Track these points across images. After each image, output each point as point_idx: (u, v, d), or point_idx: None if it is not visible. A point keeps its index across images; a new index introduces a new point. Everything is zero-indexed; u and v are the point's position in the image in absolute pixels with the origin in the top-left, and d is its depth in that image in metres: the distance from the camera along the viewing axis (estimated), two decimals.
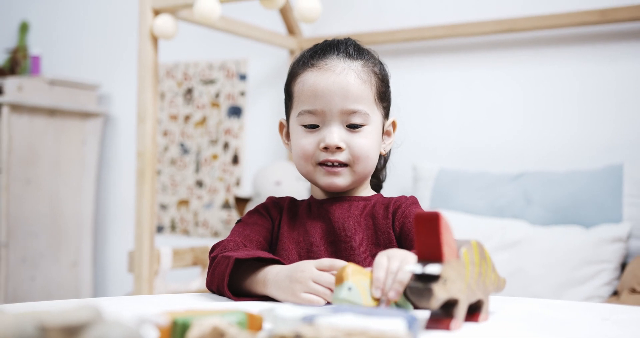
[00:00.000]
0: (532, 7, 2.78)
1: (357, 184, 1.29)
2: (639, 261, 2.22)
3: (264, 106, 3.49)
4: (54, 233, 3.73)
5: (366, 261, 1.20)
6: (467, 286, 0.85)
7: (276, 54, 3.44)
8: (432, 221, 0.80)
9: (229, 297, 1.11)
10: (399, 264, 0.95)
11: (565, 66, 2.77)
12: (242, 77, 3.53)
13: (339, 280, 0.91)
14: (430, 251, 0.80)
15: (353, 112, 1.23)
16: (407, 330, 0.71)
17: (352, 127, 1.24)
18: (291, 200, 1.35)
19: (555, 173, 2.58)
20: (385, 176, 1.44)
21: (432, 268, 0.79)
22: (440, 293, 0.79)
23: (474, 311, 0.90)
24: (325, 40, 1.32)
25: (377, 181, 1.41)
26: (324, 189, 1.29)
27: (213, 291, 1.17)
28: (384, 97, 1.31)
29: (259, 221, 1.30)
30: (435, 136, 2.97)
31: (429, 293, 0.78)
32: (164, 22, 2.57)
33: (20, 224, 3.59)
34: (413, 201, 1.29)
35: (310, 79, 1.25)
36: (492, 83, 2.91)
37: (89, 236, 3.86)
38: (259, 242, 1.26)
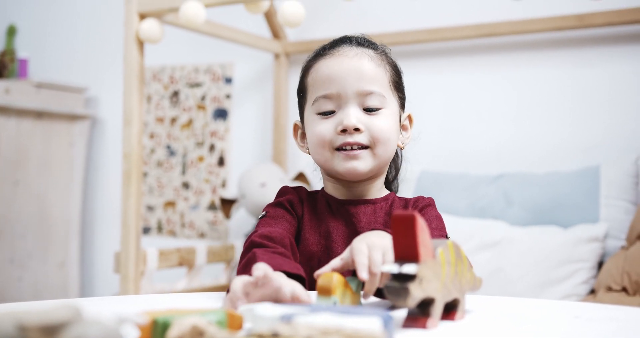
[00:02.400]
0: (511, 12, 2.83)
1: (376, 170, 1.23)
2: (615, 260, 2.26)
3: (250, 109, 3.52)
4: (41, 234, 3.75)
5: None
6: (443, 285, 0.86)
7: (261, 58, 3.47)
8: (409, 222, 0.80)
9: None
10: (381, 256, 0.94)
11: (544, 70, 2.82)
12: (228, 81, 3.56)
13: (326, 292, 0.89)
14: (407, 251, 0.81)
15: (369, 93, 1.19)
16: (382, 329, 0.72)
17: (369, 110, 1.20)
18: (307, 192, 1.29)
19: (534, 174, 2.63)
20: (397, 187, 1.38)
21: (408, 268, 0.80)
22: (417, 293, 0.79)
23: (450, 310, 0.91)
24: (338, 37, 1.30)
25: (395, 173, 1.38)
26: (343, 177, 1.22)
27: None
28: (398, 86, 1.28)
29: (287, 216, 1.22)
30: (417, 139, 3.01)
31: (405, 292, 0.78)
32: (150, 27, 2.59)
33: (8, 225, 3.60)
34: (430, 202, 1.26)
35: (323, 65, 1.22)
36: (473, 87, 2.96)
37: (76, 237, 3.88)
38: (289, 238, 1.18)
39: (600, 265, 2.39)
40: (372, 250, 0.95)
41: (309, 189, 1.31)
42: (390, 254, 0.95)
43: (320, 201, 1.27)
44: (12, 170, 3.62)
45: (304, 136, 1.30)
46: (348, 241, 1.17)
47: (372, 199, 1.26)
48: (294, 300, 0.92)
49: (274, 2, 3.07)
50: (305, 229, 1.23)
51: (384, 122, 1.20)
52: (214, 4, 2.47)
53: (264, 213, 1.24)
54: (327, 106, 1.21)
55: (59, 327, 0.55)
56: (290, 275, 1.04)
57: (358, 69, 1.20)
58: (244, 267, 1.08)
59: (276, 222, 1.20)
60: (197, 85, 3.65)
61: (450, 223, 2.56)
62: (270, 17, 3.20)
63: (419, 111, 3.06)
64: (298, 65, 3.36)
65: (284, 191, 1.29)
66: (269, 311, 0.77)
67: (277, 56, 3.31)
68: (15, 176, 3.63)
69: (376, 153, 1.20)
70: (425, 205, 1.25)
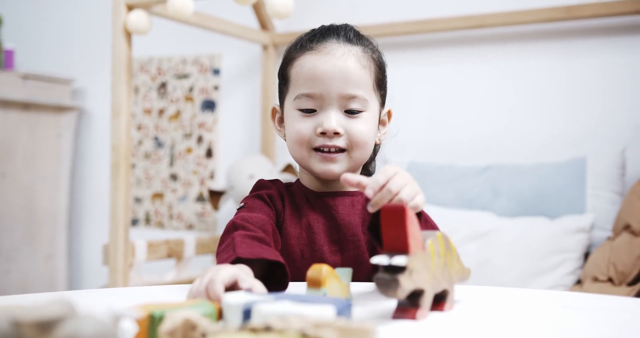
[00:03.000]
0: (500, 4, 2.84)
1: (352, 170, 1.24)
2: (601, 251, 2.28)
3: (238, 100, 3.52)
4: (28, 227, 3.74)
5: None
6: (433, 276, 0.87)
7: (249, 49, 3.47)
8: (398, 214, 0.81)
9: None
10: (402, 184, 0.96)
11: (532, 62, 2.83)
12: (216, 72, 3.56)
13: (316, 283, 0.90)
14: (397, 243, 0.82)
15: (352, 97, 1.20)
16: (335, 316, 0.73)
17: (350, 112, 1.20)
18: (285, 186, 1.29)
19: (522, 165, 2.64)
20: (375, 168, 1.39)
21: (398, 260, 0.80)
22: (407, 284, 0.80)
23: (440, 300, 0.92)
24: (323, 25, 1.28)
25: (366, 173, 1.36)
26: (319, 176, 1.24)
27: None
28: (381, 85, 1.27)
29: (265, 208, 1.22)
30: (405, 130, 3.01)
31: (395, 284, 0.79)
32: (138, 18, 2.58)
33: None
34: None
35: (309, 62, 1.21)
36: (462, 78, 2.97)
37: (64, 229, 3.87)
38: (271, 225, 1.18)
39: (586, 255, 2.41)
40: (397, 177, 0.96)
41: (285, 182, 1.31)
42: (418, 195, 0.98)
43: (297, 194, 1.27)
44: None
45: (281, 120, 1.31)
46: (329, 233, 1.21)
47: (349, 191, 1.26)
48: None
49: None
50: (287, 222, 1.23)
51: (363, 127, 1.21)
52: None
53: (242, 204, 1.24)
54: (309, 105, 1.21)
55: (53, 323, 0.55)
56: (270, 262, 1.06)
57: (344, 72, 1.19)
58: (224, 250, 1.08)
59: (254, 212, 1.20)
60: (184, 76, 3.64)
61: (438, 214, 2.59)
62: (258, 8, 3.19)
63: (408, 102, 3.05)
64: None
65: (261, 184, 1.29)
66: (236, 299, 0.78)
67: (265, 47, 3.31)
68: (1, 168, 3.62)
69: (352, 156, 1.22)
70: None
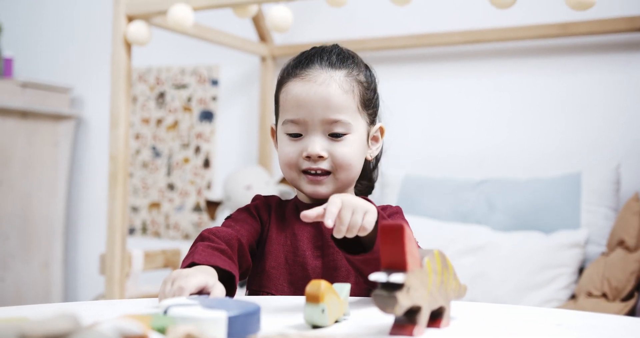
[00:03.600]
0: (496, 20, 2.86)
1: (340, 191, 1.28)
2: (595, 266, 2.29)
3: (235, 111, 3.54)
4: (25, 235, 3.74)
5: None
6: (430, 294, 0.88)
7: (248, 61, 3.49)
8: (397, 232, 0.82)
9: None
10: (351, 214, 1.03)
11: (528, 77, 2.85)
12: (214, 83, 3.58)
13: (315, 299, 0.91)
14: (395, 261, 0.83)
15: (335, 121, 1.25)
16: (226, 322, 0.79)
17: (335, 136, 1.25)
18: (278, 200, 1.36)
19: (517, 180, 2.66)
20: (377, 176, 1.46)
21: (396, 277, 0.81)
22: (404, 301, 0.81)
23: (436, 317, 0.93)
24: (313, 48, 1.33)
25: (369, 183, 1.43)
26: (308, 196, 1.30)
27: None
28: (369, 104, 1.31)
29: (249, 220, 1.31)
30: (402, 143, 3.03)
31: (393, 301, 0.80)
32: (138, 29, 2.59)
33: None
34: (397, 210, 1.32)
35: (293, 89, 1.27)
36: (457, 93, 2.99)
37: (60, 238, 3.87)
38: (247, 239, 1.27)
39: (581, 270, 2.43)
40: (355, 212, 1.03)
41: (294, 193, 1.37)
42: (367, 214, 1.04)
43: (289, 207, 1.35)
44: None
45: None
46: (313, 239, 1.28)
47: None
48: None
49: (261, 6, 3.08)
50: (272, 231, 1.31)
51: (347, 149, 1.26)
52: (202, 7, 2.48)
53: (229, 215, 1.33)
54: (295, 129, 1.27)
55: (60, 337, 0.56)
56: (221, 271, 1.14)
57: (325, 98, 1.24)
58: (187, 257, 1.17)
59: (237, 224, 1.28)
60: (183, 86, 3.66)
61: (433, 227, 2.60)
62: (257, 20, 3.21)
63: (405, 116, 3.08)
64: None
65: (255, 198, 1.37)
66: (162, 304, 0.85)
67: (263, 59, 3.33)
68: None
69: (338, 178, 1.27)
70: (392, 213, 1.31)
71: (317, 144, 1.25)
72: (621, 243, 2.28)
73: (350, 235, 1.03)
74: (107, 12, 3.38)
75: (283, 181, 3.18)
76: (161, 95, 3.72)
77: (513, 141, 2.85)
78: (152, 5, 2.55)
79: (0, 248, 3.63)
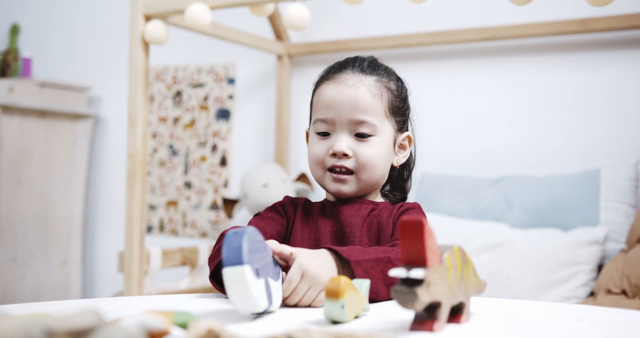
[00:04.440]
0: (513, 16, 2.85)
1: (364, 191, 1.35)
2: (615, 263, 2.28)
3: (252, 109, 3.54)
4: (44, 233, 3.77)
5: None
6: (450, 289, 0.88)
7: (264, 59, 3.49)
8: (417, 228, 0.82)
9: (215, 286, 1.18)
10: (305, 290, 1.06)
11: (545, 74, 2.84)
12: (231, 81, 3.58)
13: (334, 295, 0.92)
14: (415, 256, 0.83)
15: (361, 122, 1.30)
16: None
17: (360, 136, 1.31)
18: (305, 200, 1.41)
19: (535, 177, 2.65)
20: (410, 188, 1.50)
21: (416, 273, 0.81)
22: (424, 297, 0.81)
23: (456, 313, 0.93)
24: (348, 57, 1.39)
25: (402, 194, 1.48)
26: (333, 194, 1.36)
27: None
28: (397, 112, 1.37)
29: (275, 216, 1.36)
30: (419, 141, 3.02)
31: (413, 296, 0.80)
32: (155, 28, 2.60)
33: (10, 224, 3.62)
34: (414, 206, 1.35)
35: (325, 90, 1.34)
36: (475, 90, 2.98)
37: (79, 236, 3.90)
38: (272, 235, 1.32)
39: (600, 267, 2.41)
40: (303, 281, 1.07)
41: (310, 191, 1.40)
42: (319, 287, 1.07)
43: (316, 205, 1.39)
44: (15, 169, 3.64)
45: None
46: (334, 233, 1.33)
47: (359, 199, 1.36)
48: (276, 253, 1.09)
49: (278, 5, 3.09)
50: (297, 224, 1.36)
51: (371, 151, 1.31)
52: (219, 6, 2.49)
53: (257, 213, 1.39)
54: (324, 128, 1.34)
55: (85, 332, 0.57)
56: None
57: (354, 99, 1.30)
58: (214, 256, 1.20)
59: (263, 221, 1.34)
60: (199, 85, 3.67)
61: (451, 224, 2.60)
62: (274, 19, 3.22)
63: (421, 113, 3.08)
64: (301, 66, 3.39)
65: (284, 198, 1.43)
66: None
67: (279, 58, 3.33)
68: (18, 175, 3.65)
69: (361, 178, 1.32)
70: (408, 208, 1.33)
71: (343, 142, 1.30)
72: None
73: (302, 306, 1.08)
74: (125, 12, 3.39)
75: (299, 179, 3.18)
76: (178, 94, 3.73)
77: (531, 138, 2.84)
78: (169, 5, 2.56)
79: (20, 247, 3.66)
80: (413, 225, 0.83)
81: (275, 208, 1.38)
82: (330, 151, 1.31)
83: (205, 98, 3.65)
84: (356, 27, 3.23)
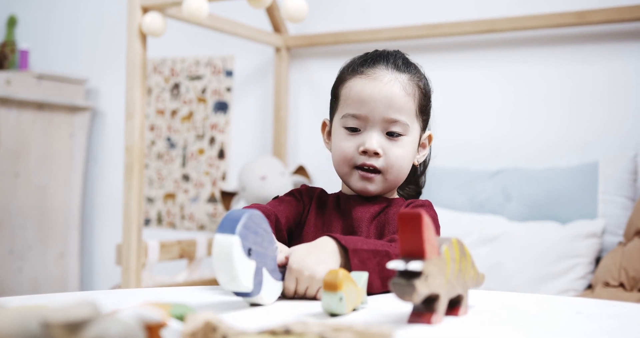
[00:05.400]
0: (511, 9, 2.85)
1: (387, 190, 1.34)
2: (612, 256, 2.28)
3: (250, 102, 3.54)
4: (41, 226, 3.76)
5: None
6: (448, 282, 0.88)
7: (262, 51, 3.48)
8: (415, 220, 0.82)
9: None
10: (304, 288, 1.06)
11: (544, 66, 2.83)
12: (229, 74, 3.58)
13: (332, 287, 0.92)
14: (413, 249, 0.83)
15: (394, 121, 1.29)
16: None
17: (391, 135, 1.29)
18: (321, 191, 1.40)
19: (533, 170, 2.65)
20: (424, 182, 1.51)
21: (414, 265, 0.81)
22: (422, 289, 0.81)
23: (454, 305, 0.93)
24: (376, 50, 1.37)
25: (416, 188, 1.48)
26: (356, 192, 1.34)
27: None
28: (424, 110, 1.37)
29: (293, 202, 1.35)
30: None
31: (411, 289, 0.80)
32: (153, 20, 2.60)
33: (8, 216, 3.62)
34: (424, 203, 1.34)
35: (358, 85, 1.31)
36: (473, 82, 2.98)
37: (76, 228, 3.90)
38: (287, 218, 1.31)
39: (597, 260, 2.42)
40: (300, 283, 1.06)
41: (310, 184, 1.39)
42: (317, 284, 1.06)
43: (331, 197, 1.39)
44: (12, 161, 3.63)
45: (330, 134, 1.41)
46: (344, 226, 1.33)
47: (373, 197, 1.35)
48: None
49: None
50: (311, 213, 1.36)
51: (401, 151, 1.31)
52: None
53: (276, 196, 1.38)
54: (354, 124, 1.31)
55: (81, 324, 0.56)
56: None
57: (389, 97, 1.29)
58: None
59: (281, 204, 1.33)
60: (197, 78, 3.66)
61: (449, 217, 2.60)
62: (272, 11, 3.21)
63: None
64: (299, 59, 3.38)
65: (301, 186, 1.43)
66: None
67: (278, 50, 3.32)
68: (15, 167, 3.65)
69: (387, 178, 1.31)
70: (418, 205, 1.33)
71: (375, 140, 1.28)
72: (639, 233, 2.27)
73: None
74: (122, 4, 3.38)
75: (297, 171, 3.18)
76: (176, 86, 3.72)
77: (529, 130, 2.84)
78: None
79: (17, 239, 3.66)
80: (411, 218, 0.83)
81: (293, 194, 1.38)
82: (361, 148, 1.29)
83: (203, 91, 3.64)
84: (354, 20, 3.22)
